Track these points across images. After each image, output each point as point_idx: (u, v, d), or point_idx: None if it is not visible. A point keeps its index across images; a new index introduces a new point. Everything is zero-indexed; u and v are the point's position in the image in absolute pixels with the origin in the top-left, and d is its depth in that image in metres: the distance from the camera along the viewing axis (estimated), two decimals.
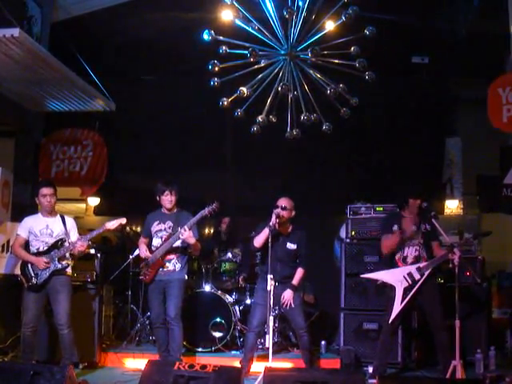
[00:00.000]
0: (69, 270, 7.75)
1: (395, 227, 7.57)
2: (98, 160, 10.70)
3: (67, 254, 7.73)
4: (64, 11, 10.10)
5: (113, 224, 7.78)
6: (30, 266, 7.61)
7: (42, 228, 7.72)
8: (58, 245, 7.66)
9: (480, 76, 9.59)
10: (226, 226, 10.70)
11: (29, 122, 10.50)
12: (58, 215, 7.87)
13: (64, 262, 7.65)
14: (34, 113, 10.49)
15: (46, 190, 7.70)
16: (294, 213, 7.88)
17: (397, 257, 7.69)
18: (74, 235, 7.83)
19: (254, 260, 9.56)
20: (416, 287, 7.51)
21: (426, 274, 7.51)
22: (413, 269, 7.55)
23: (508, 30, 8.29)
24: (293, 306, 7.80)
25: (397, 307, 7.54)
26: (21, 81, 9.13)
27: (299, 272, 7.89)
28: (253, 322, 7.97)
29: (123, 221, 7.89)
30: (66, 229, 7.77)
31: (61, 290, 7.62)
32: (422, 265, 7.55)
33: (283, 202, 7.78)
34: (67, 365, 6.65)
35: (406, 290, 7.53)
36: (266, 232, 7.55)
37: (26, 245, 7.74)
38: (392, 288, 7.61)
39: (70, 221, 7.93)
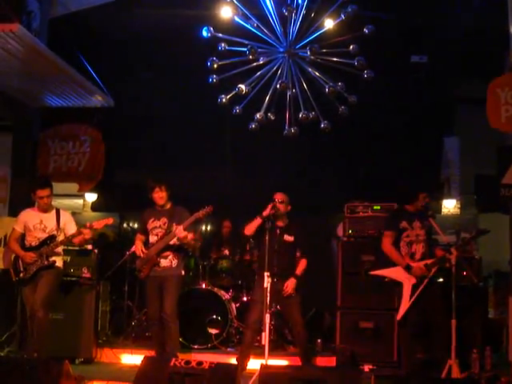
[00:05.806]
0: (58, 264, 7.75)
1: None
2: (96, 156, 10.66)
3: (59, 249, 7.75)
4: (63, 7, 10.08)
5: (99, 223, 7.78)
6: (20, 260, 7.64)
7: (35, 223, 7.74)
8: (48, 241, 7.67)
9: (479, 76, 9.59)
10: (229, 231, 10.68)
11: (27, 117, 10.49)
12: (54, 210, 7.86)
13: (52, 259, 7.66)
14: (32, 108, 10.47)
15: (41, 192, 7.69)
16: (289, 207, 7.99)
17: (404, 253, 7.67)
18: (71, 228, 7.82)
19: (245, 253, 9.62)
20: (424, 283, 7.48)
21: (433, 270, 7.50)
22: (421, 265, 7.53)
23: (507, 30, 8.28)
24: (292, 295, 7.83)
25: (405, 303, 7.49)
26: (19, 76, 9.12)
27: (302, 263, 7.97)
28: (250, 318, 7.97)
29: (110, 221, 7.91)
30: (58, 224, 7.77)
31: (45, 275, 7.61)
32: (429, 261, 7.53)
33: (279, 196, 7.91)
34: (33, 352, 6.92)
35: (414, 287, 7.51)
36: (257, 220, 7.70)
37: (22, 239, 7.74)
38: (399, 285, 7.61)
39: (64, 215, 7.92)
